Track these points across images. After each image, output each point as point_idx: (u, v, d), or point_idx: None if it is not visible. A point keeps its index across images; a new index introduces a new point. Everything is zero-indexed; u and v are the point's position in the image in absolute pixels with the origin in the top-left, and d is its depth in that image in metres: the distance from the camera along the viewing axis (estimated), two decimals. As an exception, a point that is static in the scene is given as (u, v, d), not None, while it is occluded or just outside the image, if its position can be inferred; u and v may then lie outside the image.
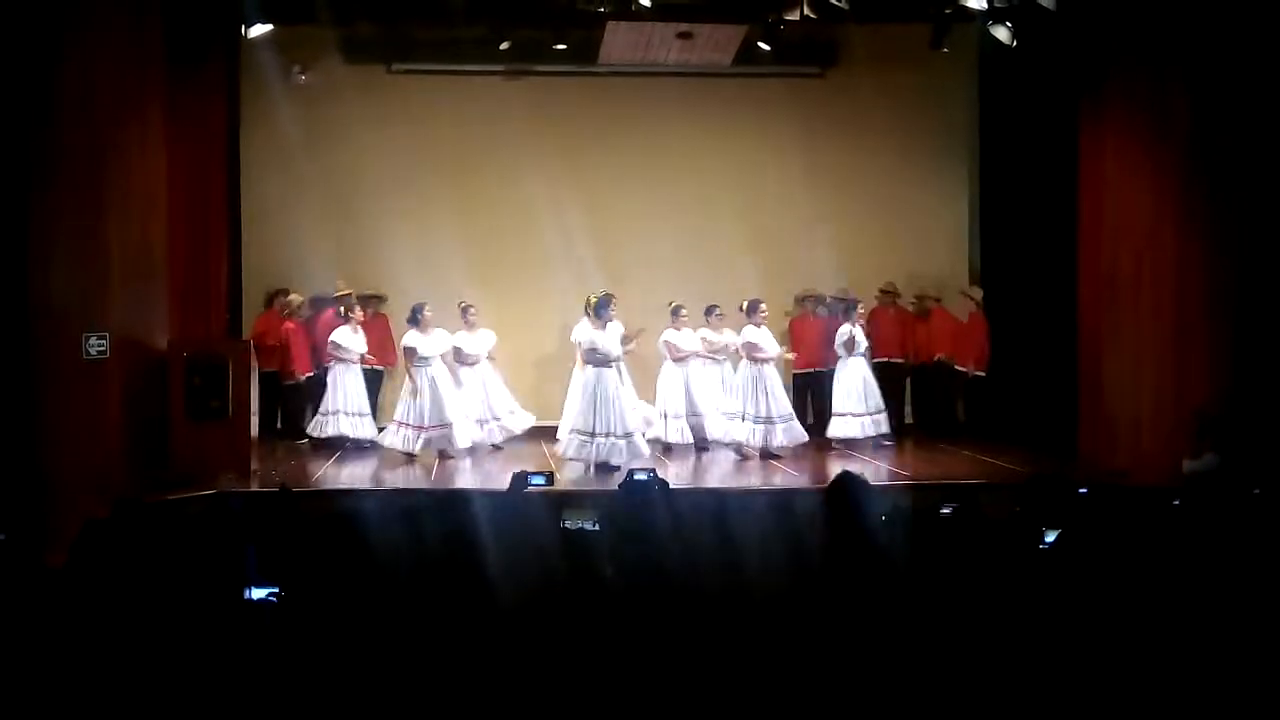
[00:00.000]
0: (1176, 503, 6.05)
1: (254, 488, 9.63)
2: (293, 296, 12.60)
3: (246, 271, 12.89)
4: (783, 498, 8.80)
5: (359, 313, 12.14)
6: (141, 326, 9.79)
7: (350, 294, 12.28)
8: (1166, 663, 3.96)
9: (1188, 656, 3.98)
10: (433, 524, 4.78)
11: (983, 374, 13.08)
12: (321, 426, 12.00)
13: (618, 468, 10.14)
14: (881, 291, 13.26)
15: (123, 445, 9.29)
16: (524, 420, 12.11)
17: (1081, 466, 10.77)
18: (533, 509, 5.52)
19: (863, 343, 12.21)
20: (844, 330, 12.22)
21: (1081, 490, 5.92)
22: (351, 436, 11.97)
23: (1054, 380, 11.98)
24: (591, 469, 10.46)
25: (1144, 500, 6.25)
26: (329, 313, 12.51)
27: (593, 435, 10.46)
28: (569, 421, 11.00)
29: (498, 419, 11.98)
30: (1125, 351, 10.87)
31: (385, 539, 4.66)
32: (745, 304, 11.74)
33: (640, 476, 5.77)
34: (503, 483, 6.18)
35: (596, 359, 10.66)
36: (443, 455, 11.35)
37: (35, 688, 3.72)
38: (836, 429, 12.11)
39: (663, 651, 3.88)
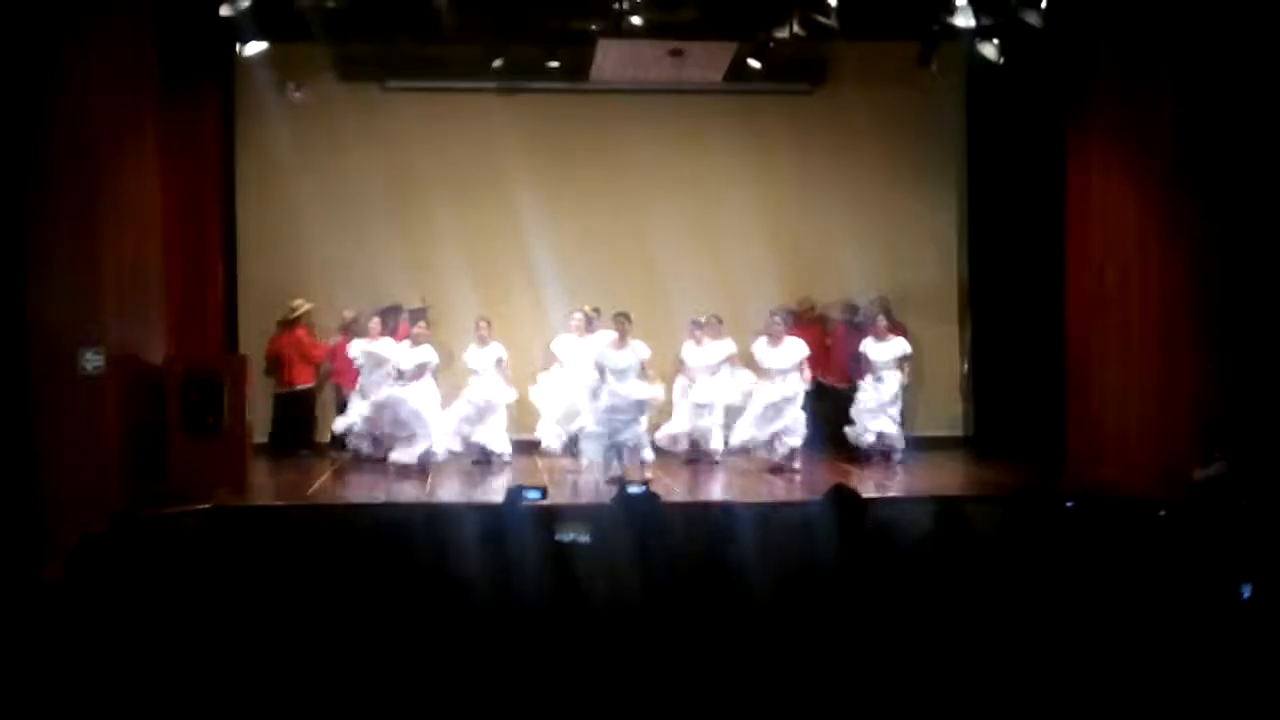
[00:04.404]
0: (1162, 514, 6.11)
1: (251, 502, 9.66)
2: (346, 312, 12.59)
3: (242, 287, 12.91)
4: (776, 511, 8.82)
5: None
6: (137, 342, 9.83)
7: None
8: (1155, 669, 4.00)
9: (1177, 663, 4.02)
10: (427, 538, 4.82)
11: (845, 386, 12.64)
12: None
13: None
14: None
15: (119, 460, 9.31)
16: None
17: (1070, 478, 10.82)
18: (527, 523, 5.56)
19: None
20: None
21: (1068, 504, 5.98)
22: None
23: (1043, 391, 12.03)
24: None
25: (1130, 512, 6.31)
26: (404, 326, 12.43)
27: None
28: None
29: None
30: (1113, 362, 10.93)
31: (382, 552, 4.70)
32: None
33: (633, 490, 5.83)
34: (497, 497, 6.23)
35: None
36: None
37: (32, 701, 3.76)
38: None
39: (657, 662, 3.92)
